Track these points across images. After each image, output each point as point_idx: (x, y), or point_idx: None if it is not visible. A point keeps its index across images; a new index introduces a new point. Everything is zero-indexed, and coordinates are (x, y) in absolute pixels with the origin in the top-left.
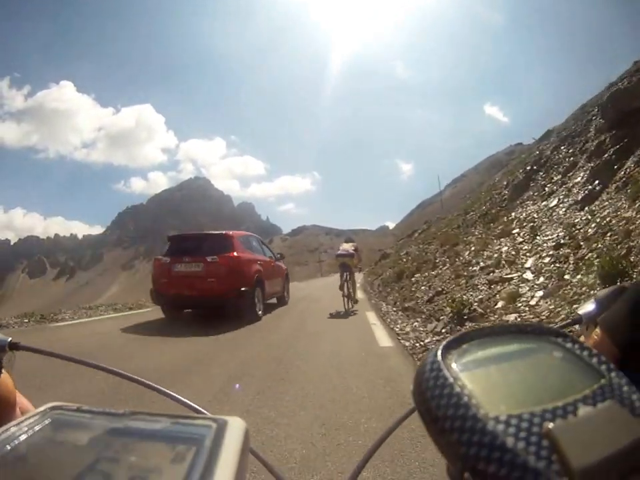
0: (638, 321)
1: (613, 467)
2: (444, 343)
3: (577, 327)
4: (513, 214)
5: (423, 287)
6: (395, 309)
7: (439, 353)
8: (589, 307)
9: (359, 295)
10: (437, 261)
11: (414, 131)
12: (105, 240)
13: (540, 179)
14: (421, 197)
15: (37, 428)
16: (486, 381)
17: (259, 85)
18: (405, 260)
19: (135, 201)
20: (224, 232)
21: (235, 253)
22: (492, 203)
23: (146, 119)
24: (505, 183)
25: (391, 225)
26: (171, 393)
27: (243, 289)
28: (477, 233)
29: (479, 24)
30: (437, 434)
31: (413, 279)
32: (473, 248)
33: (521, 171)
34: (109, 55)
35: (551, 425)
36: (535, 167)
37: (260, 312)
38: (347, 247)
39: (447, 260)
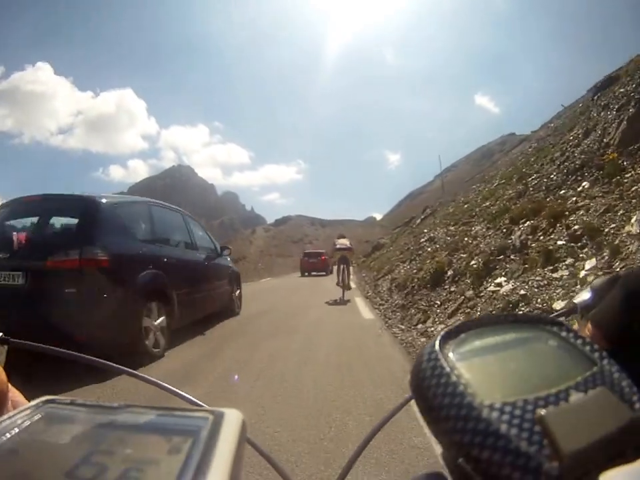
0: (628, 314)
1: (601, 451)
2: (442, 333)
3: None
4: None
5: None
6: None
7: (437, 342)
8: (584, 295)
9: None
10: (533, 245)
11: (402, 120)
12: None
13: None
14: (408, 188)
15: (29, 422)
16: (482, 370)
17: (244, 71)
18: (430, 249)
19: (114, 190)
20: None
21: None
22: (587, 151)
23: (127, 104)
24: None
25: (378, 216)
26: (168, 386)
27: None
28: (593, 193)
29: (469, 13)
30: (433, 422)
31: (489, 286)
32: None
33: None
34: (89, 36)
35: (543, 412)
36: None
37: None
38: (345, 241)
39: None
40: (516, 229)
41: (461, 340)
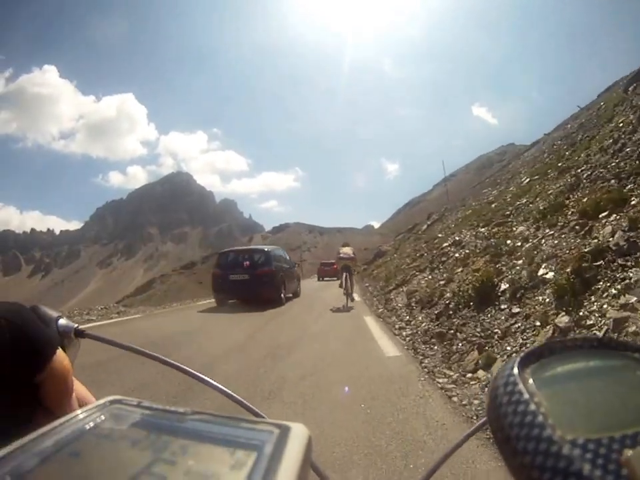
0: None
1: None
2: (521, 355)
3: None
4: None
5: None
6: None
7: (516, 366)
8: None
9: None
10: None
11: (400, 130)
12: (82, 236)
13: None
14: (407, 197)
15: (93, 423)
16: (564, 400)
17: (243, 78)
18: (459, 255)
19: (113, 196)
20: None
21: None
22: None
23: (127, 109)
24: None
25: (376, 225)
26: (233, 394)
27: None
28: None
29: (465, 26)
30: (509, 454)
31: (605, 307)
32: None
33: None
34: (94, 40)
35: (630, 453)
36: None
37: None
38: (348, 250)
39: None
40: (598, 225)
41: (542, 364)
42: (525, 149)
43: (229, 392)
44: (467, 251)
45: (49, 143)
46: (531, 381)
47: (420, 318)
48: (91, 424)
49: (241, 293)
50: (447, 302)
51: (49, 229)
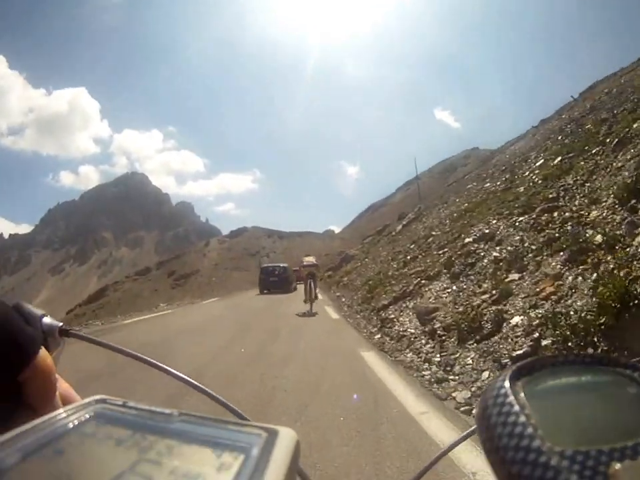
0: None
1: None
2: (513, 368)
3: None
4: None
5: None
6: None
7: (508, 378)
8: None
9: None
10: None
11: (361, 132)
12: (33, 239)
13: None
14: (368, 201)
15: (78, 422)
16: (554, 413)
17: (201, 75)
18: (497, 255)
19: (65, 197)
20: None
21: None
22: None
23: (79, 103)
24: None
25: (337, 229)
26: (219, 397)
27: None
28: None
29: (430, 29)
30: (497, 464)
31: None
32: None
33: None
34: (46, 30)
35: (618, 466)
36: None
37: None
38: (311, 259)
39: None
40: None
41: (534, 378)
42: (479, 159)
43: (216, 395)
44: (510, 248)
45: None
46: (522, 393)
47: (469, 360)
48: (75, 422)
49: (274, 287)
50: (527, 333)
51: None
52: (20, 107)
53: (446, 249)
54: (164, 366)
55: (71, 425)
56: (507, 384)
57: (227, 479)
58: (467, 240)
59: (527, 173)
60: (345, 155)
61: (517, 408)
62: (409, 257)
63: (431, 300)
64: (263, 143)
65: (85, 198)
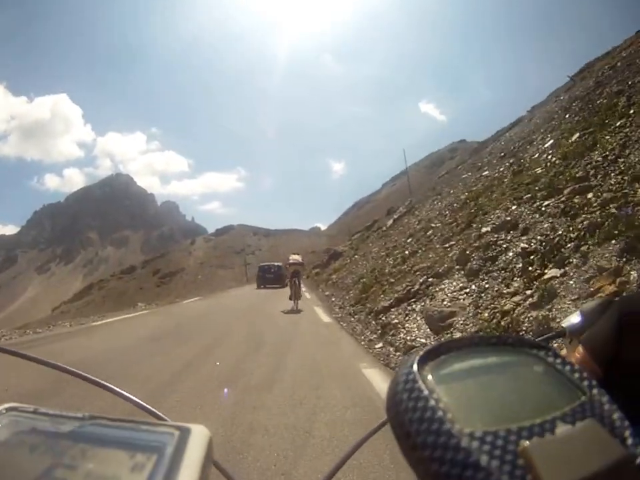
0: (621, 340)
1: None
2: (420, 353)
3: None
4: None
5: None
6: None
7: (415, 363)
8: (574, 319)
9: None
10: None
11: (346, 128)
12: (19, 240)
13: None
14: (353, 198)
15: None
16: (463, 395)
17: (182, 76)
18: (527, 246)
19: (51, 199)
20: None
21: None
22: None
23: (61, 109)
24: None
25: (323, 226)
26: (134, 398)
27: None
28: None
29: (410, 21)
30: (409, 449)
31: None
32: None
33: None
34: (23, 39)
35: (526, 443)
36: None
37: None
38: (297, 257)
39: None
40: None
41: (441, 362)
42: (465, 152)
43: (130, 396)
44: (540, 237)
45: None
46: (430, 377)
47: None
48: None
49: (270, 283)
50: None
51: None
52: (2, 115)
53: (452, 242)
54: (84, 374)
55: None
56: (414, 368)
57: (142, 478)
58: (483, 230)
59: (536, 155)
60: (329, 151)
61: (425, 392)
62: (407, 252)
63: (445, 302)
64: (247, 141)
65: (70, 200)
